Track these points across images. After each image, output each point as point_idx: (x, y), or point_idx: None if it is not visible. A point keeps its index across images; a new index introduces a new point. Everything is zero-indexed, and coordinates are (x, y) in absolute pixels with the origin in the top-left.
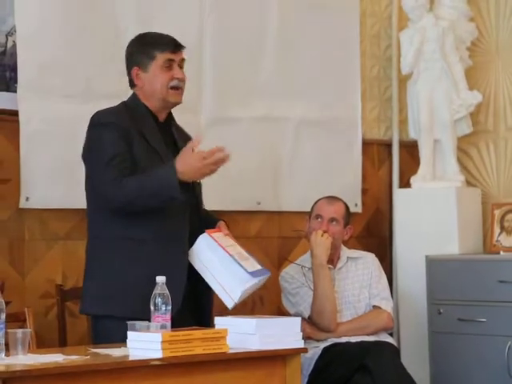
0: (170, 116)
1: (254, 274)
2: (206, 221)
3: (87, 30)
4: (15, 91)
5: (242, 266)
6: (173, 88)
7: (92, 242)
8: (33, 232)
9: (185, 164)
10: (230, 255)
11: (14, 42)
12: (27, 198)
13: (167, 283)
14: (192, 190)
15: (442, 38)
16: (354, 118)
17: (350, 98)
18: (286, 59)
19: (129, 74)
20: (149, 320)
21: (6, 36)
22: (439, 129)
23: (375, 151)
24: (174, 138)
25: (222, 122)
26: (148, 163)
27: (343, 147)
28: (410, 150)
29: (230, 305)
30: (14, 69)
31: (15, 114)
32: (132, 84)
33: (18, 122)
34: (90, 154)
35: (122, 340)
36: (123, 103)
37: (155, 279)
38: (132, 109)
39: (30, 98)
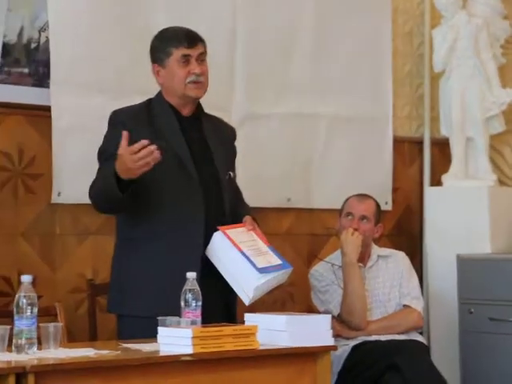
0: (198, 110)
1: (263, 269)
2: (235, 214)
3: (119, 25)
4: (48, 87)
5: (252, 262)
6: (190, 83)
7: (116, 243)
8: (64, 227)
9: (121, 163)
10: (242, 252)
11: (46, 37)
12: (59, 193)
13: (181, 280)
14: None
15: (475, 35)
16: (385, 115)
17: (381, 96)
18: (317, 56)
19: (152, 71)
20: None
21: (39, 32)
22: (471, 126)
23: (406, 149)
24: (202, 133)
25: (253, 119)
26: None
27: (374, 145)
28: (442, 148)
29: (246, 301)
30: (46, 64)
31: (48, 109)
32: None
33: (50, 117)
34: (101, 156)
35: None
36: (149, 100)
37: (168, 276)
38: (154, 106)
39: (63, 94)
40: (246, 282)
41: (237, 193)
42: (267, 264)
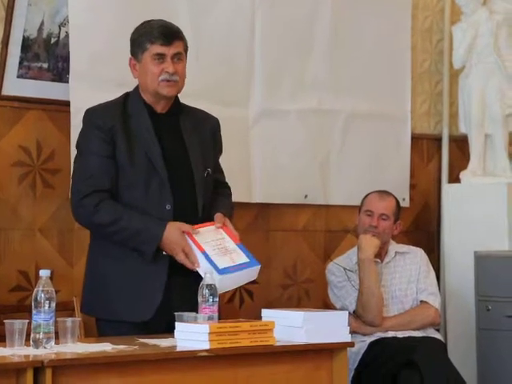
0: (174, 106)
1: (224, 270)
2: (210, 211)
3: (139, 20)
4: (67, 82)
5: (213, 262)
6: (163, 81)
7: (90, 242)
8: None
9: (168, 242)
10: (203, 252)
11: (66, 32)
12: None
13: (147, 280)
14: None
15: (495, 31)
16: (403, 112)
17: (400, 92)
18: (336, 52)
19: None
20: (137, 321)
21: (59, 27)
22: (490, 123)
23: (424, 146)
24: (178, 130)
25: (270, 115)
26: (130, 161)
27: (392, 141)
28: (460, 145)
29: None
30: (66, 59)
31: (67, 104)
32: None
33: (69, 112)
34: (75, 159)
35: None
36: (126, 94)
37: (133, 277)
38: (130, 101)
39: (82, 89)
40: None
41: (218, 184)
42: (230, 263)
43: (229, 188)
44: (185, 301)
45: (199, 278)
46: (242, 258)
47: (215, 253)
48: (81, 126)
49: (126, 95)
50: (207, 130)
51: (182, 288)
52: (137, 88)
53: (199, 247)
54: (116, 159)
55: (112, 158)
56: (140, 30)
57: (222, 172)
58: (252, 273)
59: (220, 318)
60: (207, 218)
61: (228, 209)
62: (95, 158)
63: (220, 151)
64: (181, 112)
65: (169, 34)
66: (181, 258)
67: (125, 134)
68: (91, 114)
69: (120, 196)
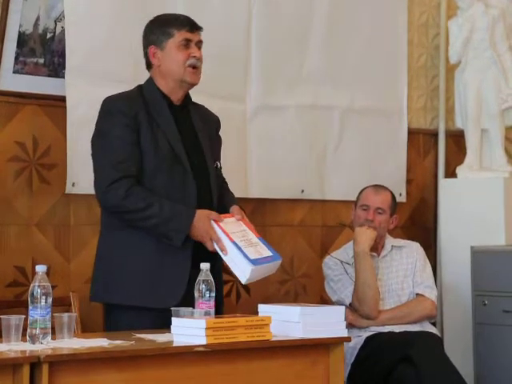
0: (186, 99)
1: (256, 261)
2: (221, 204)
3: (135, 15)
4: (63, 77)
5: (244, 253)
6: (190, 66)
7: (102, 232)
8: (79, 217)
9: (198, 229)
10: (234, 242)
11: (62, 27)
12: (73, 184)
13: (170, 269)
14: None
15: (491, 26)
16: (400, 107)
17: (396, 87)
18: (332, 47)
19: (145, 54)
20: (156, 307)
21: (55, 22)
22: (487, 118)
23: (421, 141)
24: (191, 122)
25: (267, 110)
26: (154, 148)
27: (388, 136)
28: (456, 140)
29: (243, 280)
30: (62, 54)
31: (63, 99)
32: (149, 65)
33: (65, 107)
34: (99, 145)
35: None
36: (139, 86)
37: (157, 266)
38: (146, 92)
39: (78, 84)
40: (241, 266)
41: (222, 182)
42: (258, 256)
43: (227, 184)
44: None
45: (219, 269)
46: (266, 251)
47: (242, 244)
48: (77, 121)
49: (140, 87)
50: (212, 125)
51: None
52: (150, 80)
53: (229, 237)
54: (141, 145)
55: (137, 144)
56: (163, 19)
57: (221, 168)
58: (274, 266)
59: (222, 312)
60: (218, 210)
61: (238, 204)
62: (121, 143)
63: (220, 147)
64: (191, 105)
65: (193, 22)
66: (209, 246)
67: (148, 122)
68: (114, 101)
69: (143, 182)
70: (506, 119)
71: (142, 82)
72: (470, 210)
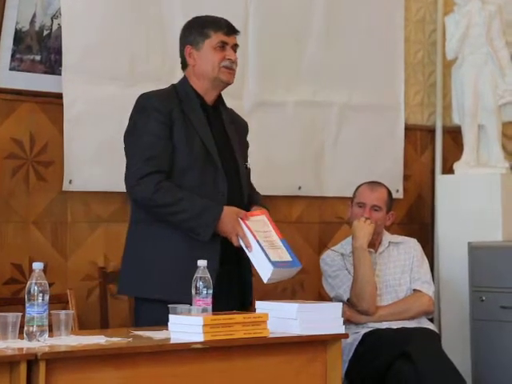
0: (219, 100)
1: (276, 264)
2: (250, 203)
3: (132, 13)
4: (60, 74)
5: (266, 253)
6: (224, 67)
7: (131, 226)
8: (76, 215)
9: (225, 224)
10: (257, 241)
11: (59, 24)
12: (70, 181)
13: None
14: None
15: (488, 22)
16: (397, 103)
17: (393, 84)
18: (330, 44)
19: (181, 53)
20: (186, 302)
21: (52, 19)
22: (484, 114)
23: (418, 137)
24: (222, 123)
25: (265, 107)
26: (188, 146)
27: (386, 133)
28: (454, 136)
29: (265, 280)
30: (58, 52)
31: (59, 96)
32: (184, 64)
33: (62, 104)
34: (132, 140)
35: (159, 323)
36: (173, 85)
37: (186, 261)
38: (180, 91)
39: (75, 81)
40: (264, 265)
41: (250, 183)
42: (278, 259)
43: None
44: (232, 290)
45: (247, 267)
46: (286, 255)
47: (265, 244)
48: (74, 118)
49: (174, 86)
50: (241, 128)
51: (230, 276)
52: (184, 79)
53: (253, 235)
54: (174, 142)
55: (170, 140)
56: (201, 20)
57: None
58: (292, 272)
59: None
60: (248, 210)
61: (265, 203)
62: (154, 138)
63: (247, 150)
64: (222, 106)
65: (231, 25)
66: (234, 241)
67: (182, 120)
68: (149, 98)
69: (174, 178)
70: (502, 115)
71: (139, 80)
72: (467, 206)
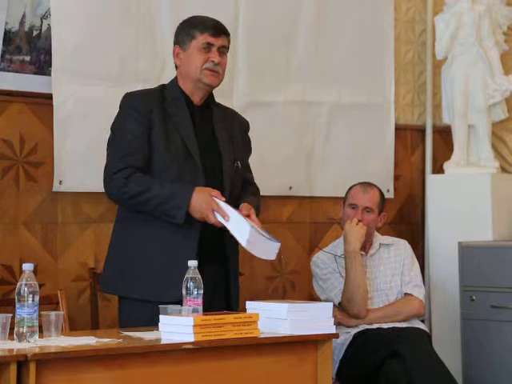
0: (208, 100)
1: (254, 227)
2: (238, 203)
3: (121, 13)
4: (49, 74)
5: (244, 218)
6: (207, 70)
7: (114, 225)
8: (66, 215)
9: (199, 202)
10: (234, 209)
11: (48, 25)
12: (60, 182)
13: (175, 264)
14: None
15: (477, 22)
16: (387, 102)
17: (383, 83)
18: (319, 43)
19: (173, 53)
20: (167, 302)
21: (41, 19)
22: (474, 114)
23: (408, 136)
24: (211, 123)
25: (255, 107)
26: (166, 145)
27: (376, 132)
28: (444, 136)
29: (243, 243)
30: (48, 52)
31: (49, 97)
32: (176, 64)
33: (51, 105)
34: (111, 138)
35: (142, 322)
36: (162, 85)
37: (164, 260)
38: (167, 91)
39: (64, 82)
40: (241, 227)
41: (245, 182)
42: (258, 228)
43: (257, 188)
44: (216, 289)
45: (233, 268)
46: (266, 233)
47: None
48: (64, 119)
49: (163, 86)
50: (236, 127)
51: (215, 276)
52: (174, 79)
53: (229, 207)
54: (152, 142)
55: (147, 139)
56: (190, 21)
57: (251, 172)
58: (273, 250)
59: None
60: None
61: (255, 204)
62: (130, 137)
63: (249, 151)
64: (214, 106)
65: (218, 27)
66: (211, 218)
67: (163, 119)
68: (130, 98)
69: (152, 177)
70: (492, 115)
71: (128, 80)
72: (457, 206)
